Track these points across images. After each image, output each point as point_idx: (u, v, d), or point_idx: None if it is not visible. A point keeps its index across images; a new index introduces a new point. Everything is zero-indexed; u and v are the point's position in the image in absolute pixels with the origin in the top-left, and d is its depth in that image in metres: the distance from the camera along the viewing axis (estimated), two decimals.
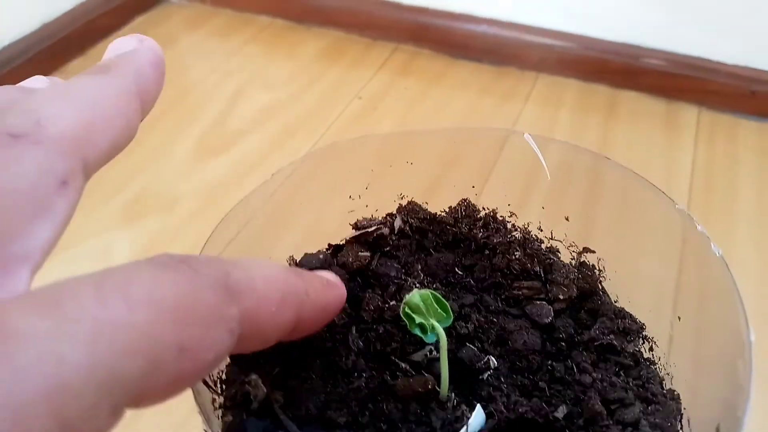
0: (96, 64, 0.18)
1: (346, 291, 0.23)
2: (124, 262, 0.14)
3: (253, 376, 0.25)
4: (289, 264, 0.31)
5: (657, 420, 0.25)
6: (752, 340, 0.20)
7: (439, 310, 0.26)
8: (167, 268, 0.14)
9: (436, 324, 0.25)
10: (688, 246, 0.25)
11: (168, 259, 0.14)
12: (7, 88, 0.17)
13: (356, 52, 1.09)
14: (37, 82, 0.19)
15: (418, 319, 0.25)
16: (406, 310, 0.26)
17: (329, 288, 0.21)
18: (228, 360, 0.26)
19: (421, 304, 0.26)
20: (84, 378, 0.11)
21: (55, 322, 0.11)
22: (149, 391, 0.13)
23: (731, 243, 0.78)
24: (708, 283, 0.24)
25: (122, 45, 0.19)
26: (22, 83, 0.19)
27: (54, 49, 1.03)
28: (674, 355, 0.27)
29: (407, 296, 0.26)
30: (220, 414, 0.24)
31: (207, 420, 0.21)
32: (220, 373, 0.26)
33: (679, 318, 0.27)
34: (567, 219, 0.31)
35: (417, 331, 0.26)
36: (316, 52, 1.10)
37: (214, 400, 0.24)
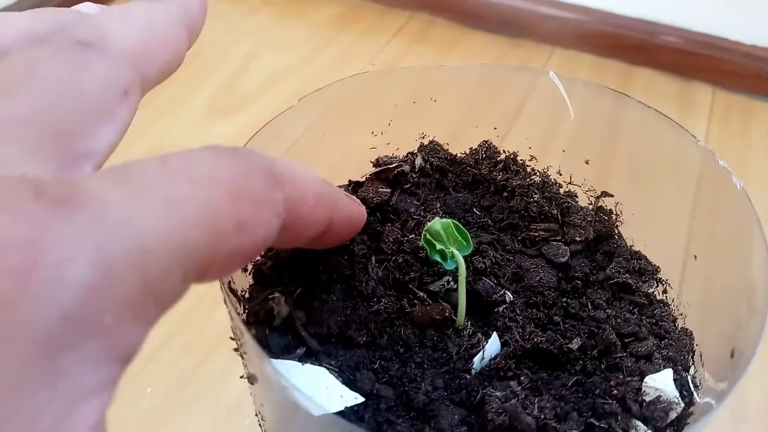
0: None
1: (366, 212, 0.24)
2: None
3: (277, 294, 0.25)
4: None
5: (670, 354, 0.26)
6: None
7: (459, 238, 0.26)
8: (221, 153, 0.14)
9: (456, 251, 0.26)
10: (708, 184, 0.26)
11: (220, 147, 0.15)
12: (65, 10, 0.18)
13: (370, 19, 1.08)
14: (88, 7, 0.20)
15: (438, 246, 0.26)
16: (427, 236, 0.26)
17: (355, 202, 0.23)
18: (251, 280, 0.27)
19: (442, 232, 0.26)
20: (161, 243, 0.12)
21: (130, 193, 0.12)
22: (213, 261, 0.13)
23: None
24: (728, 218, 0.25)
25: None
26: (75, 7, 0.19)
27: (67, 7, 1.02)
28: (688, 294, 0.27)
29: (428, 223, 0.26)
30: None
31: (237, 330, 0.22)
32: (243, 292, 0.26)
33: (695, 257, 0.27)
34: (587, 162, 0.31)
35: (437, 258, 0.26)
36: (329, 18, 1.09)
37: (238, 314, 0.25)
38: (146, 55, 0.17)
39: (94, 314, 0.11)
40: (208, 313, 0.58)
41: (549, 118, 0.31)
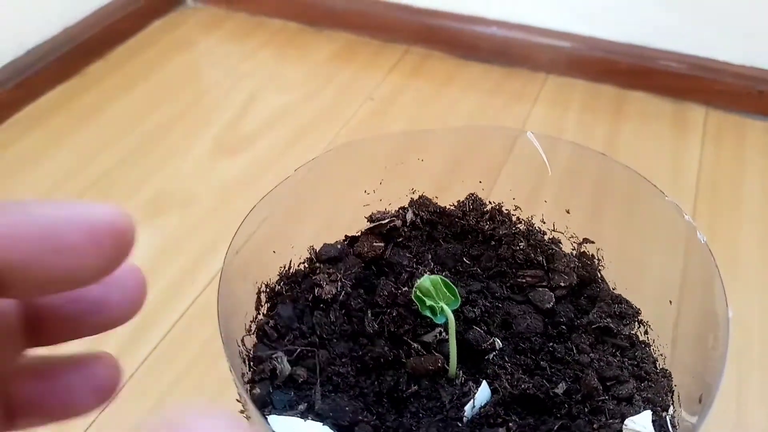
0: None
1: None
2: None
3: (279, 353, 0.27)
4: (309, 253, 0.33)
5: (649, 395, 0.27)
6: (730, 316, 0.22)
7: (447, 293, 0.28)
8: None
9: (445, 306, 0.28)
10: (677, 235, 0.27)
11: None
12: None
13: (368, 54, 1.11)
14: None
15: (428, 302, 0.28)
16: (418, 293, 0.28)
17: None
18: (255, 340, 0.29)
19: (432, 288, 0.28)
20: None
21: None
22: None
23: (737, 243, 0.79)
24: (695, 269, 0.26)
25: None
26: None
27: (75, 53, 1.06)
28: (667, 336, 0.29)
29: (418, 281, 0.28)
30: (249, 388, 0.27)
31: (242, 398, 0.23)
32: (249, 352, 0.28)
33: (671, 302, 0.29)
34: (568, 212, 0.33)
35: (427, 313, 0.28)
36: (328, 55, 1.12)
37: (243, 374, 0.27)
38: None
39: None
40: (213, 361, 0.59)
41: (530, 173, 0.33)
